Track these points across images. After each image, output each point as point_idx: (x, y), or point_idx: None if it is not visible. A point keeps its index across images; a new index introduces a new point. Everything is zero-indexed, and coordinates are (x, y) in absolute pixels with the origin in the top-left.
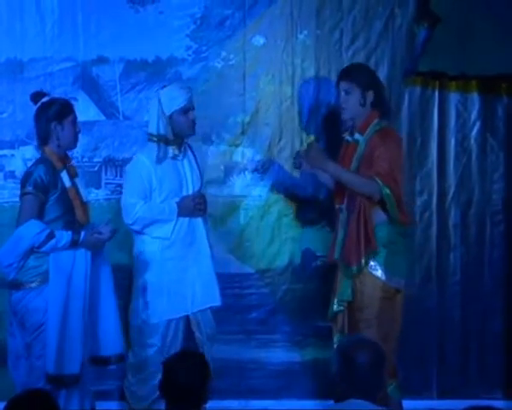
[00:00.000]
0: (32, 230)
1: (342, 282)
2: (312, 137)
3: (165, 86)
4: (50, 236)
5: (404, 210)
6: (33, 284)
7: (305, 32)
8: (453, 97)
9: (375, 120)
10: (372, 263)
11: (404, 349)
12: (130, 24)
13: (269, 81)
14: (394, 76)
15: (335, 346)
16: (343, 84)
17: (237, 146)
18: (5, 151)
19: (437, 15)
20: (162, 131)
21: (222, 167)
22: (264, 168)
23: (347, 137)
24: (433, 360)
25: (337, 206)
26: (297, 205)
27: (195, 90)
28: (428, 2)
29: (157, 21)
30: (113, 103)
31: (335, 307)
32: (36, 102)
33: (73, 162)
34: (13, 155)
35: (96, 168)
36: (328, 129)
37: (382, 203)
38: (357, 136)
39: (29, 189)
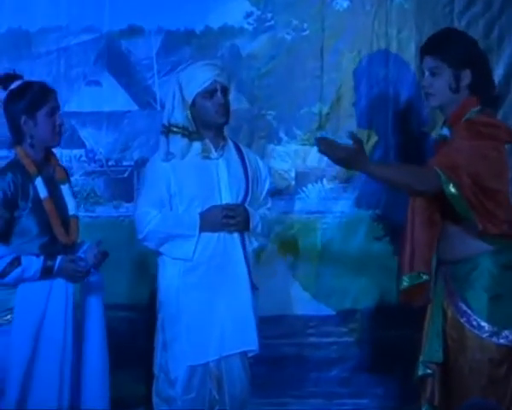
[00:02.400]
0: None
1: (430, 335)
2: (375, 137)
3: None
4: (15, 263)
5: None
6: (1, 322)
7: None
8: None
9: (473, 109)
10: (472, 316)
11: None
12: None
13: (354, 58)
14: None
15: None
16: (428, 61)
17: (313, 145)
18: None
19: None
20: (178, 121)
21: (292, 174)
22: (347, 175)
23: (445, 130)
24: None
25: None
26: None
27: (257, 70)
28: None
29: None
30: (149, 88)
31: (420, 369)
32: (5, 88)
33: (61, 162)
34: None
35: (125, 174)
36: (395, 123)
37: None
38: (444, 130)
39: None
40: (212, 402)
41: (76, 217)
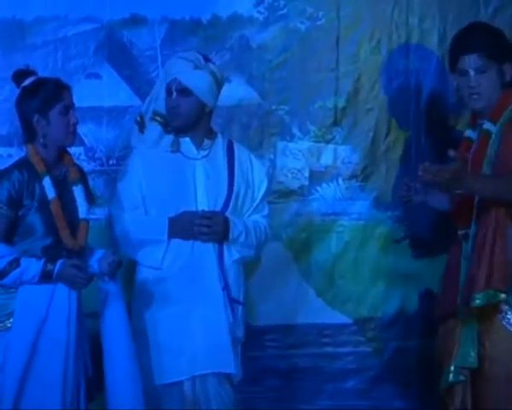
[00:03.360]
0: None
1: (463, 340)
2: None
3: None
4: (14, 264)
5: None
6: (2, 326)
7: None
8: None
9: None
10: (510, 315)
11: None
12: None
13: (373, 49)
14: None
15: None
16: (473, 60)
17: (328, 142)
18: (6, 148)
19: None
20: (151, 109)
21: (306, 173)
22: (365, 174)
23: (467, 132)
24: None
25: (460, 231)
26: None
27: (269, 62)
28: None
29: None
30: (153, 81)
31: (451, 376)
32: (18, 85)
33: (78, 163)
34: (10, 156)
35: None
36: (428, 120)
37: None
38: (487, 125)
39: None
40: None
41: (86, 221)
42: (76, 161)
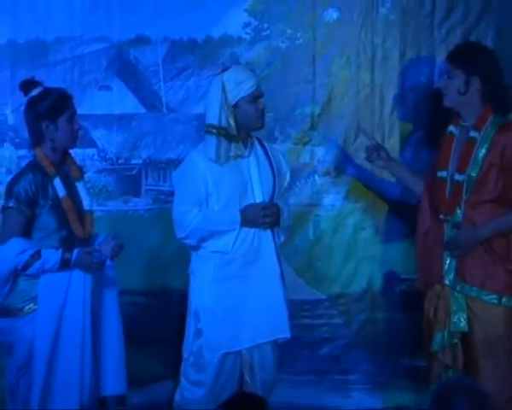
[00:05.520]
0: (12, 250)
1: (454, 308)
2: (411, 126)
3: (226, 69)
4: (36, 256)
5: None
6: (25, 311)
7: (388, 4)
8: None
9: (491, 117)
10: None
11: None
12: None
13: (343, 65)
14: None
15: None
16: (448, 66)
17: (305, 144)
18: (25, 151)
19: None
20: (224, 123)
21: None
22: (337, 171)
23: (450, 128)
24: None
25: (442, 216)
26: (378, 217)
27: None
28: None
29: None
30: (155, 93)
31: (446, 339)
32: (26, 94)
33: (77, 161)
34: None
35: (134, 172)
36: (431, 118)
37: None
38: (472, 133)
39: (10, 203)
40: (244, 386)
41: (91, 212)
42: (89, 160)
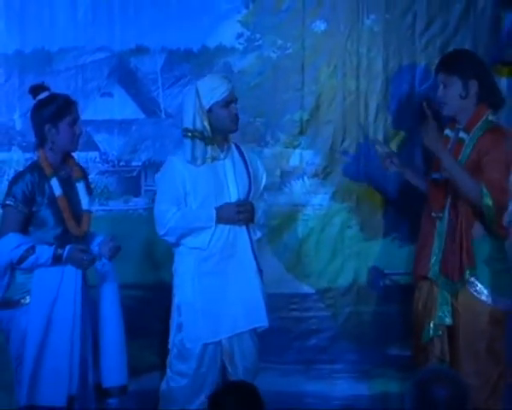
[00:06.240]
0: (8, 244)
1: (439, 302)
2: (403, 133)
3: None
4: (30, 250)
5: (502, 222)
6: (23, 302)
7: (373, 16)
8: None
9: (485, 116)
10: (478, 285)
11: None
12: (173, 9)
13: (331, 73)
14: None
15: None
16: (441, 77)
17: (295, 147)
18: (31, 154)
19: None
20: (199, 127)
21: (277, 172)
22: (325, 173)
23: (446, 131)
24: None
25: (434, 214)
26: (363, 216)
27: (247, 83)
28: None
29: (203, 5)
30: (154, 99)
31: (432, 331)
32: (34, 97)
33: (79, 163)
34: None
35: (134, 173)
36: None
37: (482, 214)
38: (462, 134)
39: (9, 201)
40: (225, 375)
41: (89, 211)
42: (92, 163)
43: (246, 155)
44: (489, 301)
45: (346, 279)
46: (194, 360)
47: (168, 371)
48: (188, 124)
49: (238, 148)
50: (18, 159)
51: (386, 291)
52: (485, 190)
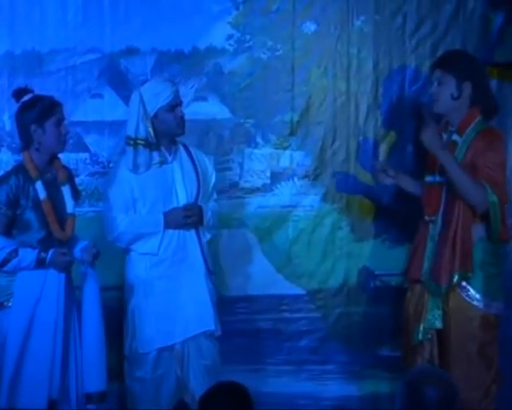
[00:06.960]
0: None
1: (430, 306)
2: (394, 134)
3: (145, 82)
4: (13, 253)
5: (505, 224)
6: (6, 304)
7: (363, 17)
8: None
9: (477, 119)
10: (470, 290)
11: None
12: (164, 10)
13: (321, 74)
14: None
15: None
16: (437, 73)
17: (285, 149)
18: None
19: None
20: (142, 134)
21: (268, 173)
22: (315, 174)
23: (453, 137)
24: None
25: (427, 217)
26: (353, 217)
27: (237, 84)
28: None
29: (194, 7)
30: None
31: (421, 334)
32: (17, 100)
33: (68, 165)
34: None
35: None
36: (414, 126)
37: (483, 216)
38: (454, 136)
39: None
40: (178, 379)
41: (73, 215)
42: (82, 164)
43: (194, 155)
44: (481, 305)
45: (337, 280)
46: (149, 364)
47: (127, 379)
48: (130, 132)
49: (186, 148)
50: (7, 160)
51: (377, 292)
52: (489, 190)
